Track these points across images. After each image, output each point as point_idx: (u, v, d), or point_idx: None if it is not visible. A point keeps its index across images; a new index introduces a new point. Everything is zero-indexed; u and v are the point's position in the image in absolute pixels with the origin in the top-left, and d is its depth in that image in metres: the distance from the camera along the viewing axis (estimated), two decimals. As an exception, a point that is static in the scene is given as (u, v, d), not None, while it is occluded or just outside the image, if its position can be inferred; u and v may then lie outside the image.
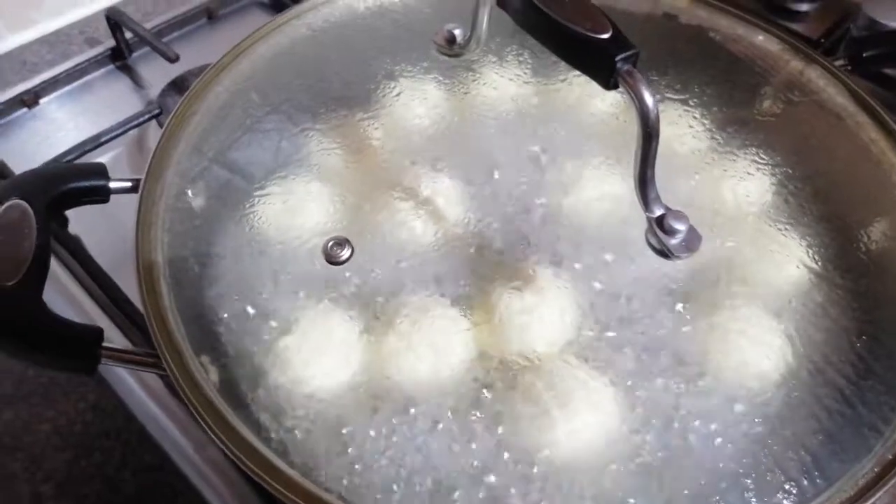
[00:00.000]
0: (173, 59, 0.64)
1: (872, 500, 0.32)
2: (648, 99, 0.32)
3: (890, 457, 0.33)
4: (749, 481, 0.33)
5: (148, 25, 0.69)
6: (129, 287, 0.52)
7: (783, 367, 0.36)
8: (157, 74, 0.67)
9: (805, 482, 0.33)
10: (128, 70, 0.70)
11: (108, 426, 0.49)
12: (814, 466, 0.33)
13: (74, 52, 0.71)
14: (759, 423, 0.34)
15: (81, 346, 0.36)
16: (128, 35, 0.68)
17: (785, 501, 0.32)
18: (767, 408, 0.35)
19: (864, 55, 0.48)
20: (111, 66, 0.70)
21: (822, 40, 0.70)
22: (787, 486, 0.32)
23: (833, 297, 0.38)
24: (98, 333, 0.37)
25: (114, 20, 0.67)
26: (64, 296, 0.53)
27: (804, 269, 0.39)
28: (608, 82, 0.33)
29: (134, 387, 0.50)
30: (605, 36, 0.33)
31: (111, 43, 0.69)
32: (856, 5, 0.71)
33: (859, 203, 0.42)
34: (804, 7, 0.74)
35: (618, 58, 0.32)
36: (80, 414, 0.50)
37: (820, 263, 0.39)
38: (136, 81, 0.69)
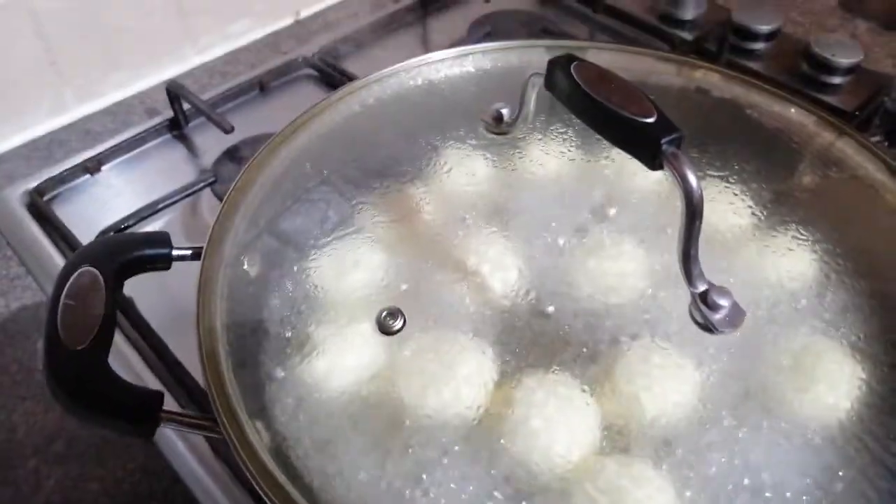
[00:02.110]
0: (228, 131, 0.67)
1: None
2: (692, 179, 0.33)
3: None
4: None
5: (204, 97, 0.73)
6: (178, 348, 0.54)
7: (831, 446, 0.36)
8: (211, 143, 0.71)
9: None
10: (184, 139, 0.73)
11: (155, 487, 0.51)
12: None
13: (135, 121, 0.75)
14: (808, 502, 0.34)
15: (143, 409, 0.38)
16: (185, 106, 0.72)
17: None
18: (816, 487, 0.35)
19: (901, 131, 0.49)
20: (168, 136, 0.73)
21: (857, 113, 0.71)
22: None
23: (878, 374, 0.38)
24: (159, 397, 0.38)
25: (173, 92, 0.71)
26: (115, 356, 0.55)
27: (847, 344, 0.39)
28: (654, 163, 0.34)
29: (181, 449, 0.51)
30: (651, 120, 0.34)
31: (169, 113, 0.73)
32: (890, 78, 0.73)
33: (901, 279, 0.42)
34: (837, 80, 0.76)
35: (663, 140, 0.34)
36: (128, 474, 0.51)
37: (863, 339, 0.39)
38: (191, 150, 0.72)
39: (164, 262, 0.44)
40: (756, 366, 0.39)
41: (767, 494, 0.35)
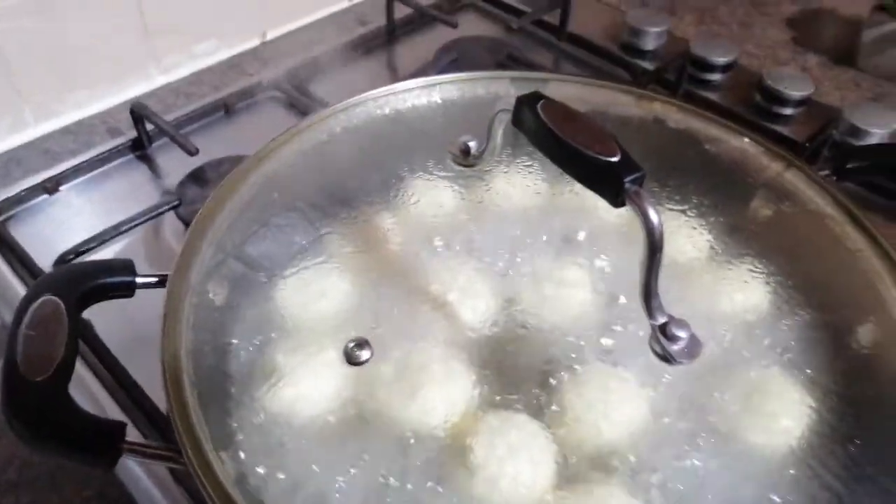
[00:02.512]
0: (193, 153, 0.67)
1: None
2: (654, 217, 0.34)
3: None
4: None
5: (168, 118, 0.72)
6: (139, 374, 0.53)
7: (780, 472, 0.37)
8: (175, 164, 0.70)
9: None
10: (147, 160, 0.72)
11: (113, 515, 0.49)
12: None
13: (97, 141, 0.74)
14: (760, 528, 0.35)
15: (105, 441, 0.37)
16: (149, 127, 0.72)
17: None
18: (769, 513, 0.36)
19: (849, 166, 0.51)
20: (131, 156, 0.72)
21: (807, 144, 0.74)
22: None
23: (827, 403, 0.39)
24: (121, 428, 0.38)
25: (137, 112, 0.71)
26: (75, 382, 0.54)
27: (798, 374, 0.40)
28: (616, 200, 0.35)
29: (139, 475, 0.50)
30: (615, 159, 0.36)
31: (132, 134, 0.72)
32: (838, 111, 0.76)
33: (849, 310, 0.44)
34: (789, 111, 0.79)
35: (626, 179, 0.35)
36: (84, 501, 0.50)
37: (813, 369, 0.41)
38: (155, 171, 0.71)
39: (127, 290, 0.43)
40: (711, 395, 0.40)
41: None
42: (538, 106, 0.38)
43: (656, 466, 0.37)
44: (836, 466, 0.37)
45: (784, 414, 0.39)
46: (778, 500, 0.36)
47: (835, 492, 0.36)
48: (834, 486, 0.36)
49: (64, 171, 0.69)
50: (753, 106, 0.79)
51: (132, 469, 0.50)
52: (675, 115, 0.55)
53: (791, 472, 0.37)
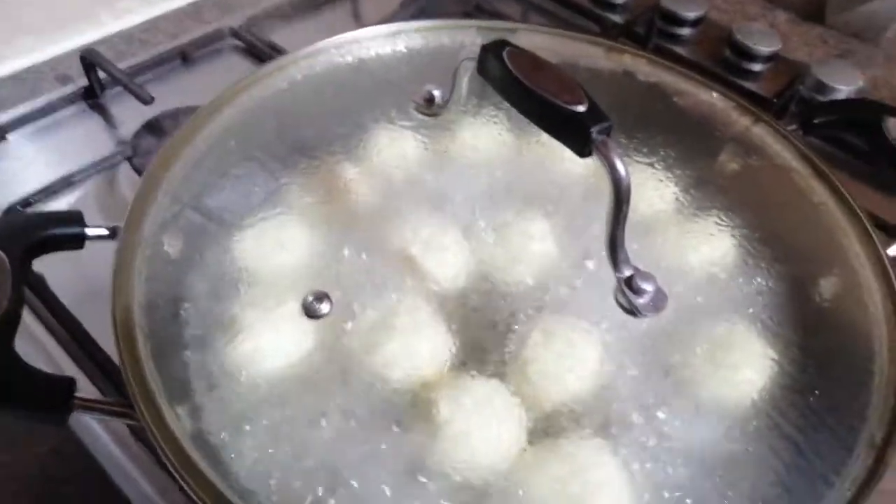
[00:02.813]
0: (148, 101, 0.64)
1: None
2: (621, 167, 0.34)
3: (844, 506, 0.35)
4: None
5: (122, 65, 0.69)
6: (95, 330, 0.52)
7: (742, 423, 0.37)
8: (129, 114, 0.67)
9: (765, 535, 0.34)
10: (100, 109, 0.69)
11: (67, 471, 0.48)
12: (773, 519, 0.35)
13: (45, 89, 0.70)
14: (719, 477, 0.36)
15: (54, 397, 0.36)
16: (101, 75, 0.68)
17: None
18: (728, 462, 0.36)
19: (815, 121, 0.51)
20: (83, 105, 0.69)
21: (775, 99, 0.74)
22: (747, 539, 0.34)
23: (788, 354, 0.40)
24: (70, 384, 0.37)
25: (88, 59, 0.67)
26: (25, 337, 0.52)
27: (761, 326, 0.41)
28: (583, 151, 0.35)
29: (97, 431, 0.49)
30: (582, 108, 0.35)
31: (84, 82, 0.69)
32: (806, 66, 0.76)
33: (812, 264, 0.44)
34: (757, 67, 0.78)
35: (593, 129, 0.34)
36: (38, 458, 0.49)
37: (775, 321, 0.41)
38: (109, 121, 0.69)
39: (76, 243, 0.42)
40: (675, 347, 0.40)
41: (682, 470, 0.36)
42: (504, 53, 0.36)
43: (621, 419, 0.37)
44: (796, 417, 0.37)
45: (746, 366, 0.39)
46: (738, 449, 0.37)
47: (794, 441, 0.37)
48: (794, 436, 0.37)
49: (11, 120, 0.66)
50: (722, 61, 0.78)
51: (90, 425, 0.49)
52: (645, 68, 0.54)
53: (752, 422, 0.38)
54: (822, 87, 0.73)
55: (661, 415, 0.37)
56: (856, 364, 0.39)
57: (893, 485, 0.35)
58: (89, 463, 0.48)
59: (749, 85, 0.76)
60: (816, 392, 0.38)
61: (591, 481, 0.35)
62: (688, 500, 0.35)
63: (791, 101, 0.75)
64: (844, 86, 0.72)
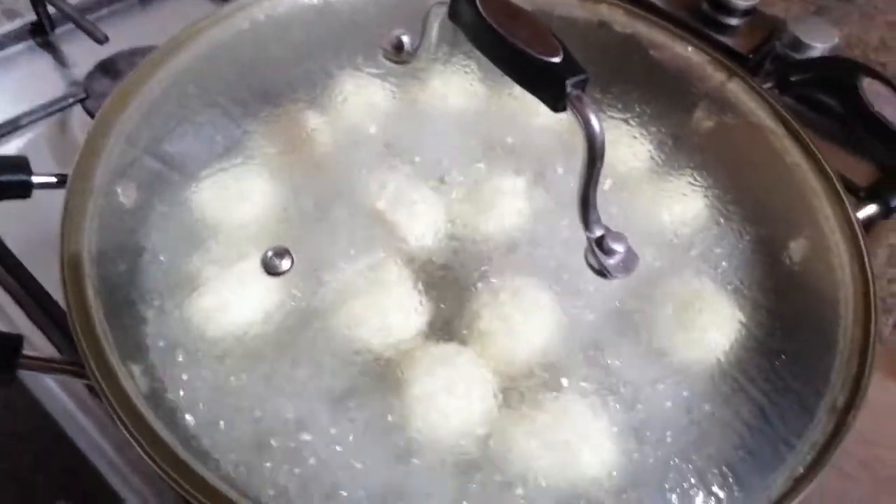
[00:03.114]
0: (102, 41, 0.61)
1: (786, 511, 0.34)
2: (596, 124, 0.32)
3: (801, 470, 0.35)
4: (673, 496, 0.34)
5: (73, 1, 0.65)
6: (49, 283, 0.50)
7: (708, 385, 0.37)
8: (82, 54, 0.64)
9: (723, 496, 0.34)
10: (50, 48, 0.66)
11: (20, 427, 0.47)
12: (734, 481, 0.35)
13: (-10, 24, 0.66)
14: (685, 439, 0.36)
15: None
16: (51, 10, 0.65)
17: (706, 513, 0.34)
18: (692, 424, 0.36)
19: (791, 79, 0.50)
20: (31, 42, 0.66)
21: (750, 56, 0.73)
22: (708, 501, 0.34)
23: (756, 317, 0.39)
24: (17, 341, 0.35)
25: (35, -7, 0.63)
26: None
27: (730, 288, 0.40)
28: (557, 105, 0.33)
29: (50, 385, 0.48)
30: (556, 59, 0.33)
31: (32, 17, 0.65)
32: (782, 22, 0.74)
33: (783, 225, 0.44)
34: (734, 21, 0.77)
35: (568, 82, 0.32)
36: (-10, 415, 0.48)
37: (745, 284, 0.41)
38: (60, 60, 0.65)
39: (21, 190, 0.40)
40: (643, 307, 0.40)
41: (647, 433, 0.36)
42: (478, -1, 0.34)
43: (584, 379, 0.37)
44: (762, 380, 0.37)
45: (714, 328, 0.39)
46: (703, 412, 0.37)
47: (758, 404, 0.37)
48: (759, 399, 0.37)
49: (-48, 57, 0.62)
50: (699, 13, 0.76)
51: (43, 381, 0.48)
52: (621, 19, 0.52)
53: (718, 386, 0.38)
54: (797, 44, 0.71)
55: (626, 377, 0.37)
56: (822, 328, 0.39)
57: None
58: (43, 417, 0.47)
59: (724, 39, 0.74)
60: (782, 356, 0.38)
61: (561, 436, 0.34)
62: (650, 460, 0.35)
63: (766, 58, 0.74)
64: (820, 43, 0.71)
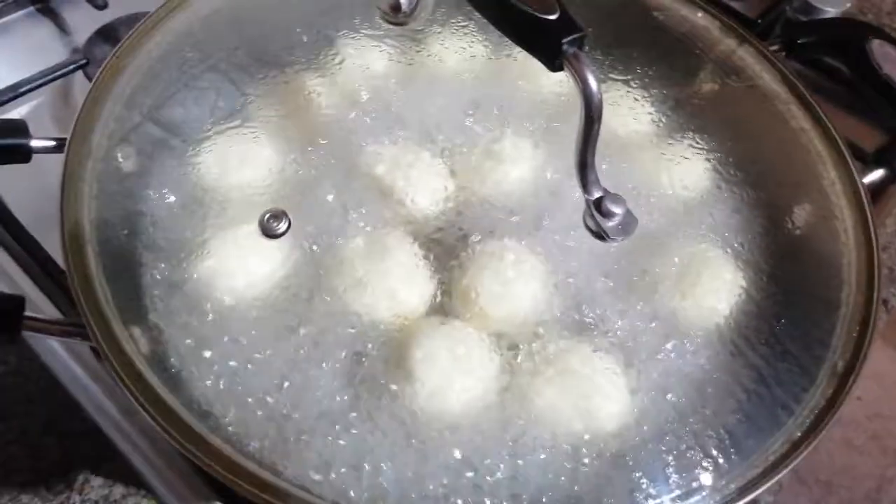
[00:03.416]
0: (101, 6, 0.60)
1: (780, 475, 0.34)
2: (593, 83, 0.32)
3: (799, 434, 0.35)
4: (671, 458, 0.34)
5: (72, -35, 0.65)
6: (55, 248, 0.50)
7: (708, 349, 0.37)
8: (82, 20, 0.63)
9: (721, 459, 0.34)
10: (50, 14, 0.65)
11: (30, 391, 0.48)
12: (731, 444, 0.35)
13: (-11, -10, 0.66)
14: (683, 403, 0.36)
15: (2, 316, 0.35)
16: (50, -24, 0.64)
17: (703, 477, 0.34)
18: (691, 388, 0.36)
19: (799, 42, 0.49)
20: (31, 9, 0.65)
21: (759, 20, 0.71)
22: (705, 463, 0.34)
23: (757, 282, 0.39)
24: (19, 302, 0.35)
25: (34, -42, 0.63)
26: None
27: (731, 253, 0.40)
28: (554, 64, 0.33)
29: (58, 350, 0.48)
30: (553, 17, 0.32)
31: (31, -18, 0.65)
32: (793, -14, 0.73)
33: (787, 190, 0.43)
34: (743, -16, 0.75)
35: (564, 40, 0.32)
36: (-1, 378, 0.48)
37: (746, 248, 0.40)
38: (60, 26, 0.65)
39: (21, 154, 0.40)
40: (643, 270, 0.39)
41: (645, 396, 0.36)
42: (473, -46, 0.34)
43: (588, 341, 0.37)
44: (762, 345, 0.37)
45: (715, 292, 0.39)
46: (703, 375, 0.37)
47: (757, 368, 0.37)
48: (757, 364, 0.37)
49: (-47, 24, 0.62)
50: (708, -23, 0.75)
51: (49, 344, 0.48)
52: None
53: (718, 349, 0.38)
54: (808, 9, 0.70)
55: (625, 340, 0.37)
56: (824, 293, 0.39)
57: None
58: (52, 382, 0.48)
59: (733, 4, 0.73)
60: (782, 321, 0.38)
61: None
62: (644, 427, 0.35)
63: (776, 23, 0.73)
64: (831, 7, 0.70)
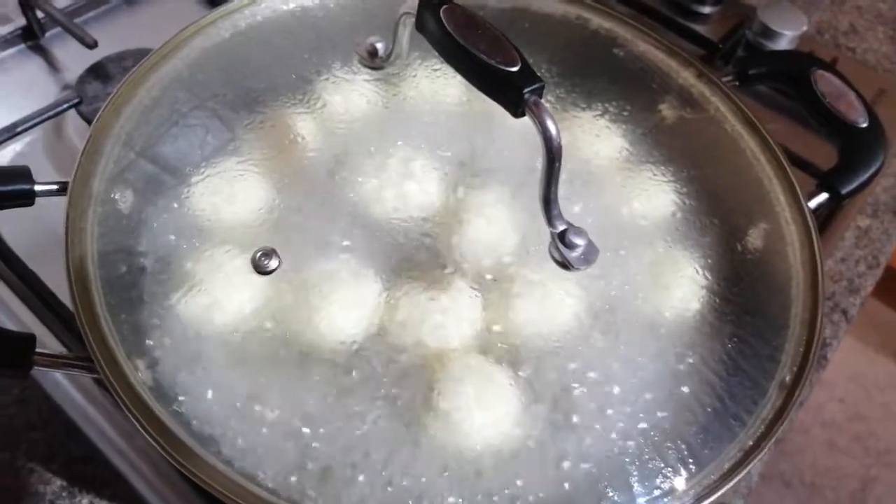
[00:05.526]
0: (91, 46, 0.63)
1: (735, 480, 0.37)
2: (552, 127, 0.35)
3: (751, 443, 0.38)
4: (633, 468, 0.37)
5: (60, 4, 0.67)
6: (54, 282, 0.52)
7: (664, 368, 0.40)
8: (73, 57, 0.66)
9: (680, 468, 0.37)
10: (41, 51, 0.68)
11: (33, 418, 0.50)
12: (688, 454, 0.38)
13: (-19, 28, 0.68)
14: (643, 418, 0.39)
15: (14, 354, 0.37)
16: (40, 14, 0.66)
17: (663, 485, 0.37)
18: (651, 404, 0.39)
19: (750, 72, 0.52)
20: (23, 46, 0.67)
21: (720, 45, 0.75)
22: (665, 472, 0.37)
23: (710, 304, 0.42)
24: (30, 340, 0.38)
25: (24, -1, 0.65)
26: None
27: (687, 279, 0.43)
28: (516, 111, 0.36)
29: (60, 380, 0.51)
30: (514, 69, 0.36)
31: (22, 21, 0.67)
32: (752, 9, 0.77)
33: (739, 216, 0.46)
34: (706, 10, 0.79)
35: (525, 90, 0.35)
36: (4, 408, 0.50)
37: (700, 273, 0.43)
38: (52, 64, 0.67)
39: (25, 199, 0.42)
40: (602, 292, 0.42)
41: (610, 412, 0.39)
42: (441, 11, 0.37)
43: (546, 371, 0.40)
44: (714, 362, 0.41)
45: (673, 311, 0.42)
46: (662, 394, 0.40)
47: (711, 384, 0.40)
48: (711, 380, 0.40)
49: (-52, 63, 0.64)
50: (671, 2, 0.79)
51: (52, 375, 0.51)
52: (592, 16, 0.54)
53: (673, 366, 0.41)
54: (767, 32, 0.74)
55: (588, 359, 0.40)
56: (774, 312, 0.42)
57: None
58: (55, 410, 0.50)
59: (697, 27, 0.77)
60: (734, 339, 0.41)
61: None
62: (613, 435, 0.38)
63: (738, 46, 0.76)
64: (789, 30, 0.73)
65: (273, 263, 0.40)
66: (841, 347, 0.62)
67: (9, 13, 0.70)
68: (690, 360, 0.40)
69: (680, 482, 0.37)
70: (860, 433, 1.35)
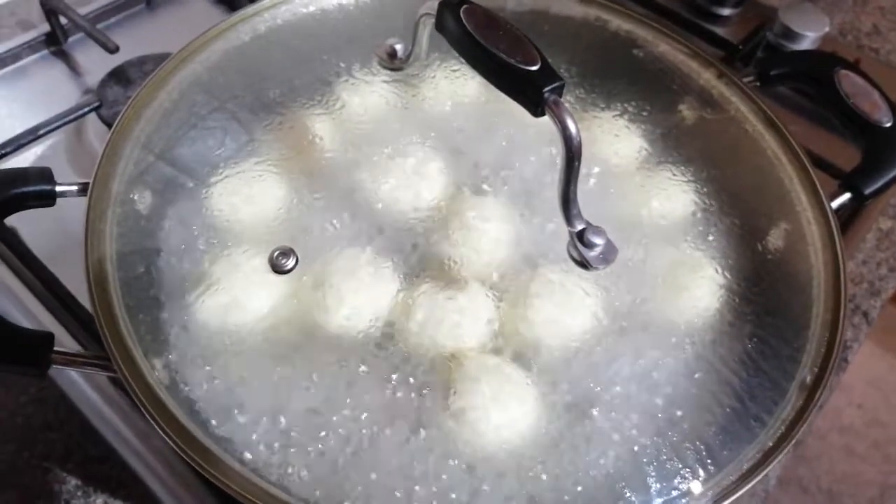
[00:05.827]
0: (113, 50, 0.63)
1: (754, 481, 0.36)
2: (571, 126, 0.35)
3: (770, 444, 0.37)
4: (651, 468, 0.37)
5: (83, 10, 0.68)
6: (71, 283, 0.53)
7: (683, 368, 0.40)
8: (94, 61, 0.67)
9: (699, 468, 0.37)
10: (64, 56, 0.69)
11: (50, 418, 0.50)
12: (707, 455, 0.37)
13: (5, 35, 0.69)
14: (662, 418, 0.38)
15: (32, 352, 0.37)
16: (63, 21, 0.67)
17: (681, 486, 0.36)
18: (670, 404, 0.39)
19: (771, 73, 0.52)
20: (46, 52, 0.69)
21: (741, 46, 0.74)
22: (683, 473, 0.37)
23: (730, 304, 0.42)
24: (48, 339, 0.38)
25: (48, 4, 0.66)
26: (3, 292, 0.53)
27: (707, 278, 0.43)
28: (536, 110, 0.36)
29: (76, 379, 0.51)
30: (535, 68, 0.36)
31: (45, 27, 0.68)
32: (773, 10, 0.76)
33: (761, 216, 0.46)
34: (727, 11, 0.79)
35: (545, 89, 0.35)
36: (21, 407, 0.51)
37: (720, 273, 0.43)
38: (73, 68, 0.68)
39: (46, 199, 0.42)
40: (621, 293, 0.42)
41: (630, 414, 0.39)
42: (461, 11, 0.37)
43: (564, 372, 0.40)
44: (734, 362, 0.40)
45: (693, 312, 0.42)
46: (681, 394, 0.39)
47: (731, 384, 0.40)
48: (731, 380, 0.40)
49: (-27, 68, 0.65)
50: (693, 4, 0.79)
51: (69, 374, 0.51)
52: (613, 17, 0.54)
53: (693, 366, 0.40)
54: (788, 33, 0.73)
55: (607, 358, 0.40)
56: (795, 312, 0.42)
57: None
58: (71, 409, 0.50)
59: (717, 30, 0.76)
60: (754, 339, 0.41)
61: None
62: (631, 435, 0.38)
63: (758, 48, 0.76)
64: (811, 31, 0.73)
65: (290, 263, 0.40)
66: (859, 352, 0.62)
67: (32, 20, 0.71)
68: (710, 360, 0.40)
69: (698, 483, 0.37)
70: (879, 440, 1.33)
